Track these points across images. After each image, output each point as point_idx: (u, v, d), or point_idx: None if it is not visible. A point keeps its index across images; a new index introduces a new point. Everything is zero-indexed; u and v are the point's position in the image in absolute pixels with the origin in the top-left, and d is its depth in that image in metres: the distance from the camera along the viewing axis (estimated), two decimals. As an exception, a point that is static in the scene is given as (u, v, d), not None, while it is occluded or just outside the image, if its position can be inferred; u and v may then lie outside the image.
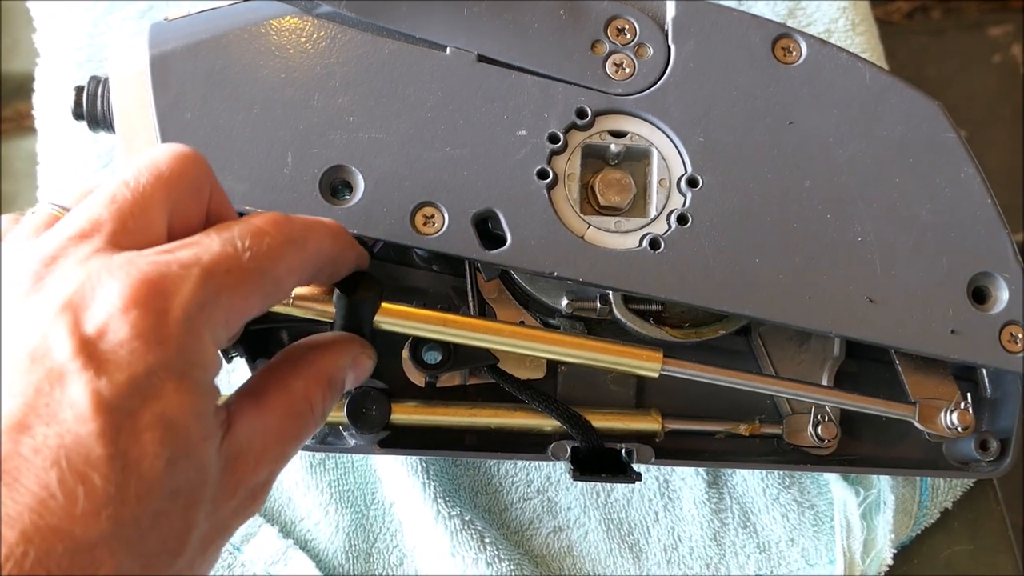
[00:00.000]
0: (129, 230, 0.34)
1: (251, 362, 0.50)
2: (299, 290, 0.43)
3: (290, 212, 0.46)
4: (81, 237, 0.33)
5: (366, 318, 0.44)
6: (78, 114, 0.49)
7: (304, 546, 0.57)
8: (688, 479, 0.58)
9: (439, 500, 0.55)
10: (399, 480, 0.56)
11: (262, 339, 0.52)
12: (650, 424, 0.53)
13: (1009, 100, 1.20)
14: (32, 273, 0.32)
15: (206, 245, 0.34)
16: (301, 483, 0.57)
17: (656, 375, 0.48)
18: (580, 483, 0.57)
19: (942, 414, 0.51)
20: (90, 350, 0.30)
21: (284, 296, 0.39)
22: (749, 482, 0.58)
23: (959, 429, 0.50)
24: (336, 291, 0.42)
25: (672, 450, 0.53)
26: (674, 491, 0.58)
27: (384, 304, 0.44)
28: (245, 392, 0.37)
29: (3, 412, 0.30)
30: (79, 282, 0.31)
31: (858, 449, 0.55)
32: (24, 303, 0.32)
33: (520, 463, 0.58)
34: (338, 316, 0.43)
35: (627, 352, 0.48)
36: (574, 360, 0.48)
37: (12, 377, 0.30)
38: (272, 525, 0.57)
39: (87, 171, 0.64)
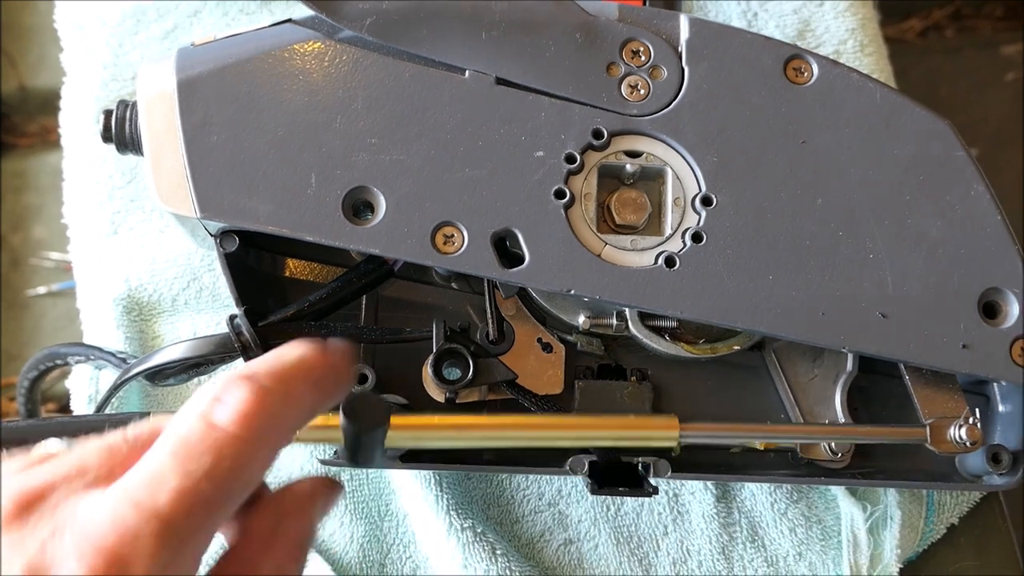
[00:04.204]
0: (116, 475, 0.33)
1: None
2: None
3: (314, 232, 0.47)
4: (66, 479, 0.32)
5: (375, 445, 0.41)
6: (107, 137, 0.50)
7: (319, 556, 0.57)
8: (697, 493, 0.59)
9: (452, 512, 0.56)
10: (413, 492, 0.57)
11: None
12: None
13: (1022, 118, 1.20)
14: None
15: (159, 482, 0.31)
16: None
17: (675, 443, 0.49)
18: (591, 496, 0.58)
19: (951, 429, 0.51)
20: None
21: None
22: (757, 496, 0.58)
23: (968, 444, 0.51)
24: (342, 419, 0.38)
25: (688, 464, 0.54)
26: (683, 505, 0.59)
27: (394, 419, 0.42)
28: None
29: None
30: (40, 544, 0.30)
31: (871, 462, 0.56)
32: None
33: (532, 475, 0.59)
34: (347, 441, 0.40)
35: (644, 424, 0.49)
36: (591, 445, 0.50)
37: None
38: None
39: (111, 187, 0.65)
